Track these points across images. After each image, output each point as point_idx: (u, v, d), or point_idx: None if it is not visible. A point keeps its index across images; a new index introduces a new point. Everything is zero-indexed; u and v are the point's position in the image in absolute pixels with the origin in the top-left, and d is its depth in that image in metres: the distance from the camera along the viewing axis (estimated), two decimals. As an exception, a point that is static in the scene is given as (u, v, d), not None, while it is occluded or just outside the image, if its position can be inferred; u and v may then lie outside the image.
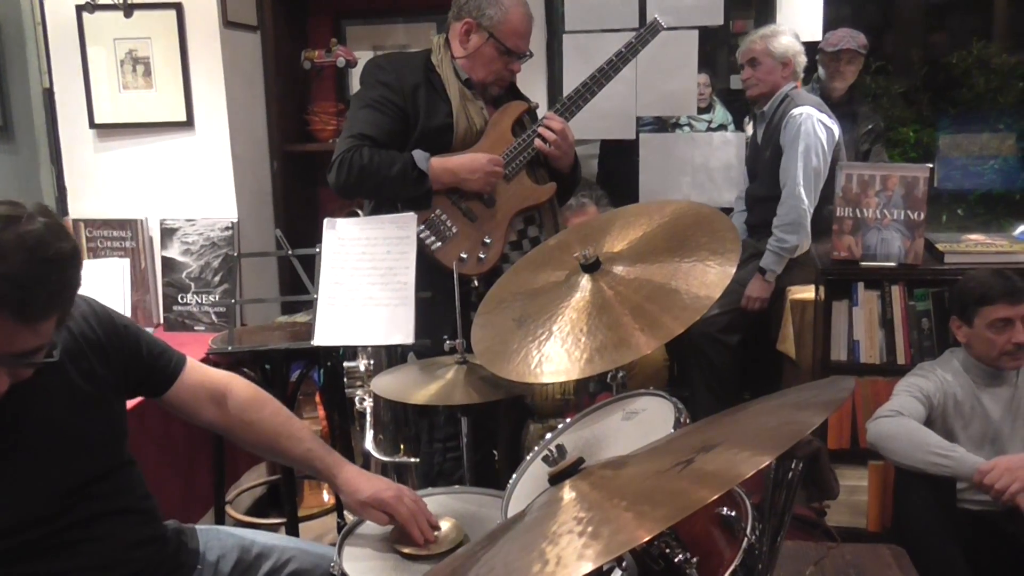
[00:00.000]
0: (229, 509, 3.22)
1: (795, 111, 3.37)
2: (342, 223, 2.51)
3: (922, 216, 2.87)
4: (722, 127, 4.02)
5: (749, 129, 3.80)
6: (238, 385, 1.82)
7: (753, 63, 3.50)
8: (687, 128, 4.01)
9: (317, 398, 3.39)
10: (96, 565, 1.54)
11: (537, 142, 2.63)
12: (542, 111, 2.78)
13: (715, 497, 0.91)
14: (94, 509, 1.55)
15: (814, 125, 3.35)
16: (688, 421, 1.50)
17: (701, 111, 4.03)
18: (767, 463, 0.97)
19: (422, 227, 2.56)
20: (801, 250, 3.39)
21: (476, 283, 2.57)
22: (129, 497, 1.63)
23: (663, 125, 3.97)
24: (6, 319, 1.31)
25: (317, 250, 2.52)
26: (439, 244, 2.59)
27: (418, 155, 2.54)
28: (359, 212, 2.79)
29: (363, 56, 3.74)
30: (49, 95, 3.51)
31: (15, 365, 1.38)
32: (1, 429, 1.46)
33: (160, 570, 1.65)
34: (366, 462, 2.92)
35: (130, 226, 3.43)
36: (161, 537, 1.69)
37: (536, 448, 1.66)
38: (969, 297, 2.52)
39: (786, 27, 3.56)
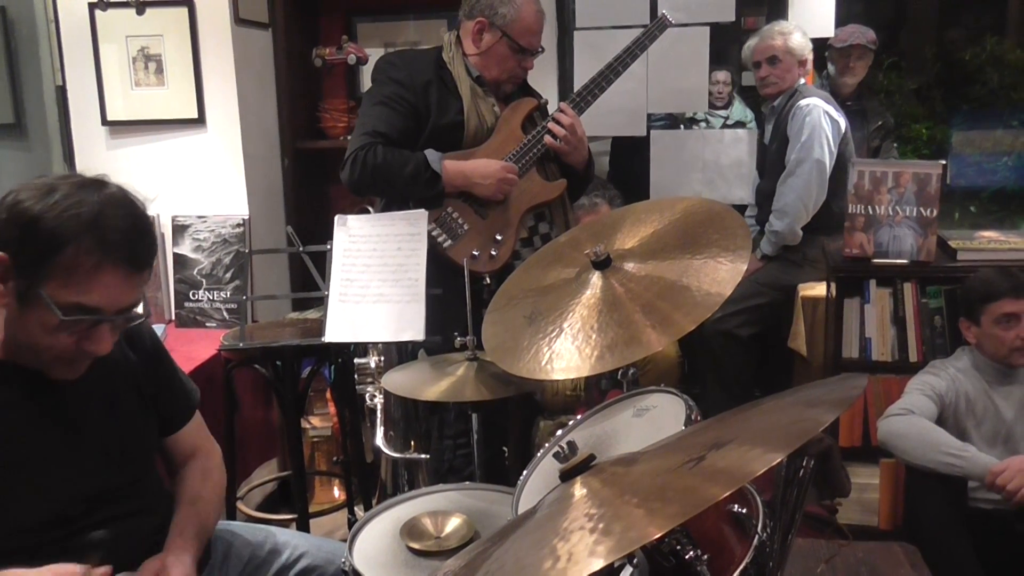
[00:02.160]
0: (240, 505, 3.23)
1: (802, 102, 3.39)
2: (353, 220, 2.52)
3: (935, 213, 2.86)
4: (739, 124, 4.00)
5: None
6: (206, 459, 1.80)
7: (773, 61, 3.50)
8: (703, 124, 3.99)
9: (328, 395, 3.40)
10: (117, 565, 1.54)
11: (547, 138, 2.63)
12: (552, 108, 2.77)
13: (726, 494, 0.91)
14: (116, 511, 1.57)
15: (820, 116, 3.35)
16: (699, 418, 1.50)
17: (720, 107, 4.01)
18: (778, 461, 0.97)
19: (433, 225, 2.57)
20: (791, 240, 3.40)
21: (488, 280, 2.57)
22: (149, 499, 1.65)
23: (675, 121, 3.95)
24: (122, 270, 1.41)
25: (328, 247, 2.53)
26: (451, 242, 2.59)
27: (431, 155, 2.54)
28: (370, 209, 2.80)
29: (374, 53, 3.74)
30: (62, 92, 3.52)
31: (121, 323, 1.47)
32: (49, 426, 1.50)
33: None
34: (377, 458, 2.93)
35: (142, 223, 3.44)
36: None
37: (547, 444, 1.66)
38: (975, 296, 2.52)
39: (793, 24, 3.56)
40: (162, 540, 1.64)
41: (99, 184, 1.44)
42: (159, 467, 1.77)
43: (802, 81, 3.53)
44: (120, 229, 1.40)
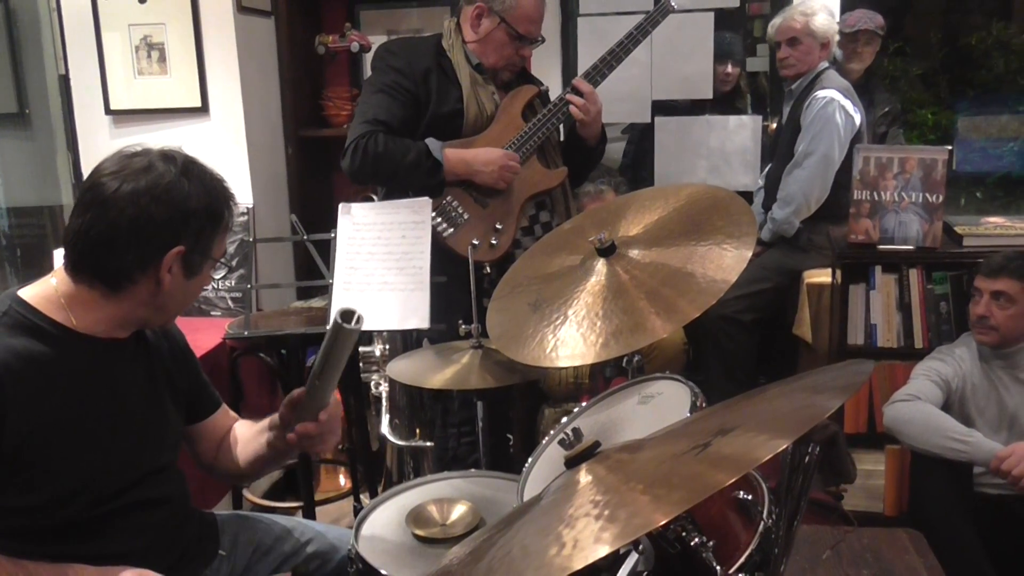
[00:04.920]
0: (246, 493, 3.24)
1: (820, 93, 3.32)
2: (357, 208, 2.51)
3: (940, 199, 2.85)
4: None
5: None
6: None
7: (793, 42, 3.41)
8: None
9: (333, 383, 3.39)
10: (136, 550, 1.55)
11: (572, 108, 2.62)
12: (553, 95, 2.76)
13: (732, 481, 0.91)
14: (142, 496, 1.58)
15: (835, 110, 3.30)
16: (704, 405, 1.50)
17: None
18: (784, 447, 0.96)
19: (433, 214, 2.56)
20: (787, 231, 3.39)
21: (488, 269, 2.57)
22: (171, 489, 1.66)
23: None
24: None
25: (332, 235, 2.52)
26: (451, 231, 2.59)
27: (432, 144, 2.54)
28: (374, 197, 2.79)
29: (377, 41, 3.72)
30: (65, 81, 3.52)
31: None
32: (104, 398, 1.52)
33: (186, 556, 1.67)
34: (382, 446, 2.93)
35: (146, 212, 3.44)
36: (191, 524, 1.72)
37: (552, 431, 1.67)
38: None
39: (820, 4, 3.47)
40: (182, 525, 1.67)
41: (181, 151, 1.55)
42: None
43: (826, 65, 3.46)
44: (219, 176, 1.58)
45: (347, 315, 1.46)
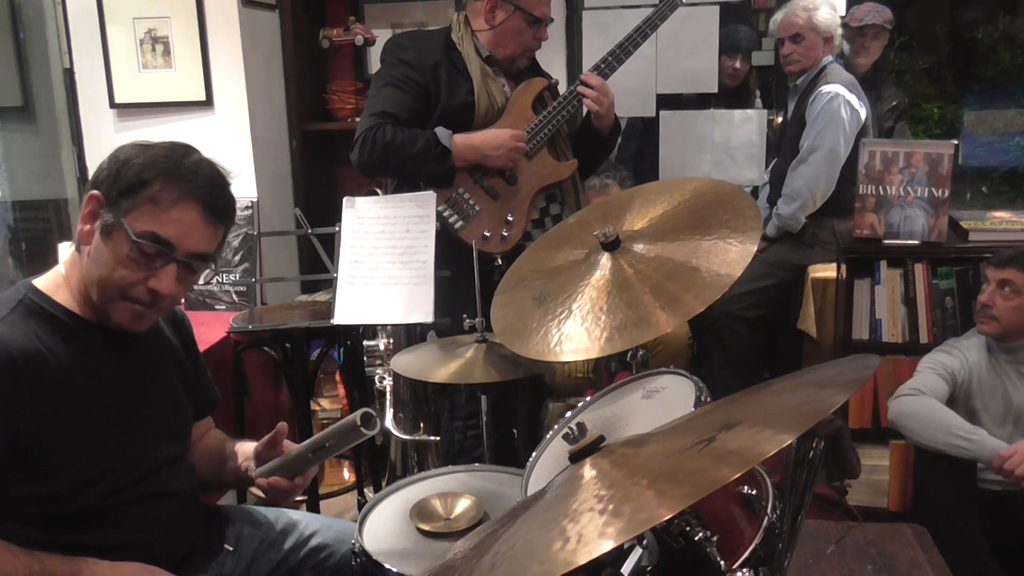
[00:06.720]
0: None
1: (825, 88, 3.32)
2: (361, 202, 2.51)
3: (946, 193, 2.84)
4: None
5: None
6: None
7: (796, 38, 3.41)
8: None
9: (337, 377, 3.40)
10: (148, 542, 1.56)
11: (585, 101, 2.62)
12: (562, 88, 2.76)
13: (736, 476, 0.91)
14: (156, 487, 1.59)
15: (840, 105, 3.29)
16: (709, 400, 1.49)
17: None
18: (789, 442, 0.96)
19: (444, 206, 2.56)
20: (792, 227, 3.38)
21: (499, 261, 2.57)
22: (182, 481, 1.67)
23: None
24: (199, 210, 1.50)
25: (337, 229, 2.53)
26: (462, 223, 2.59)
27: (441, 132, 2.54)
28: (378, 191, 2.79)
29: (381, 34, 3.73)
30: (69, 75, 3.52)
31: (189, 266, 1.53)
32: (116, 388, 1.54)
33: (195, 549, 1.68)
34: (386, 440, 2.93)
35: (151, 206, 3.44)
36: (199, 518, 1.72)
37: (556, 426, 1.67)
38: None
39: None
40: (191, 519, 1.68)
41: (192, 149, 1.57)
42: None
43: (831, 59, 3.44)
44: (204, 174, 1.53)
45: (368, 420, 1.50)
